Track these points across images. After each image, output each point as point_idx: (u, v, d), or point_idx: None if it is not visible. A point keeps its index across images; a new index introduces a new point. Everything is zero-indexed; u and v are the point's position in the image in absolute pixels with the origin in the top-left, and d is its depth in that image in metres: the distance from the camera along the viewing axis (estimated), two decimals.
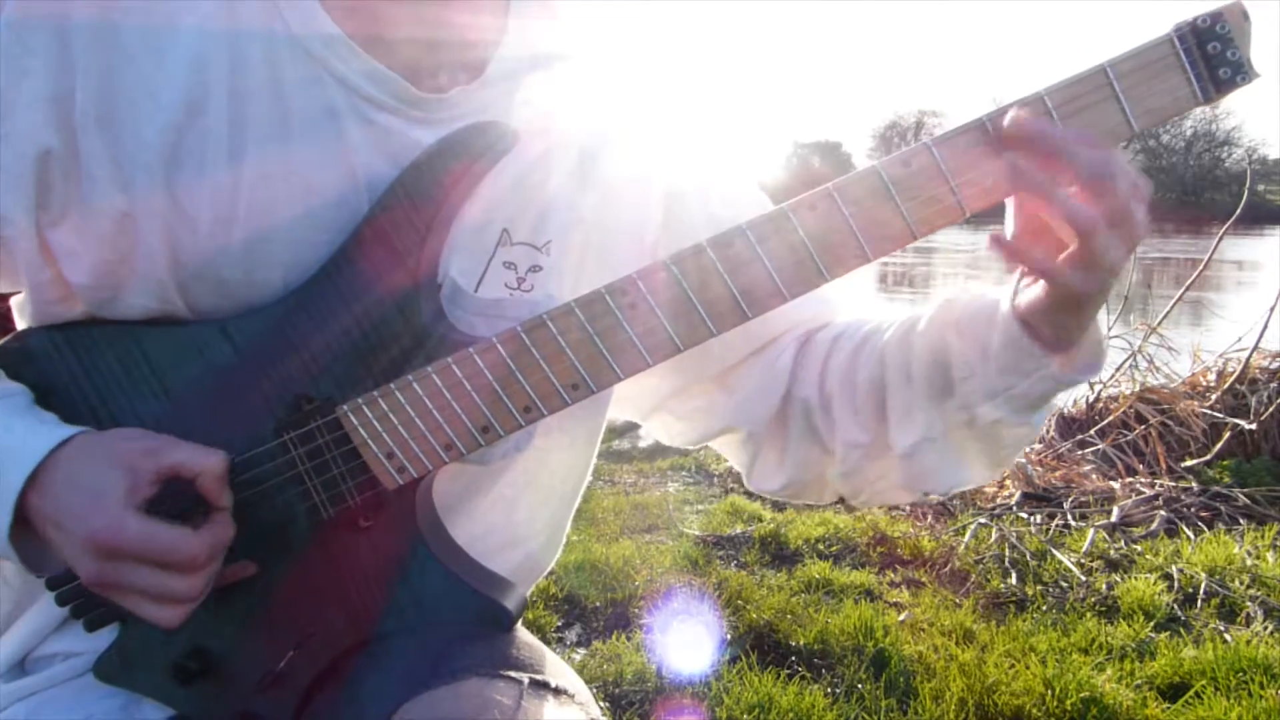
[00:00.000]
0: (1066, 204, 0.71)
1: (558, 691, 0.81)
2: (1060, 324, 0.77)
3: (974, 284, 0.86)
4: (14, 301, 0.87)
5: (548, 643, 2.38)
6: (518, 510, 0.97)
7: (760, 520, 3.49)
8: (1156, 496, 3.63)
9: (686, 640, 2.55)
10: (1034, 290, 0.77)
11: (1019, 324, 0.78)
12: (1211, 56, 0.69)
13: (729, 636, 2.59)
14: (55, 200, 0.77)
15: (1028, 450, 4.02)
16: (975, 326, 0.82)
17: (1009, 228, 0.77)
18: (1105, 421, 4.24)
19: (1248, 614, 2.74)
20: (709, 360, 0.96)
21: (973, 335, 0.82)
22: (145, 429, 0.79)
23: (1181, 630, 2.66)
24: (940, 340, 0.85)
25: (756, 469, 1.02)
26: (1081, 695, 2.21)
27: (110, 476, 0.73)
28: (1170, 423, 4.10)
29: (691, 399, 1.00)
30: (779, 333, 0.97)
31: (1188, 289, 4.78)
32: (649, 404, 1.04)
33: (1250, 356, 4.21)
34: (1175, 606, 2.79)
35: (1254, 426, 3.92)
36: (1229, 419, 3.98)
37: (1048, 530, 3.41)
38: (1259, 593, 2.86)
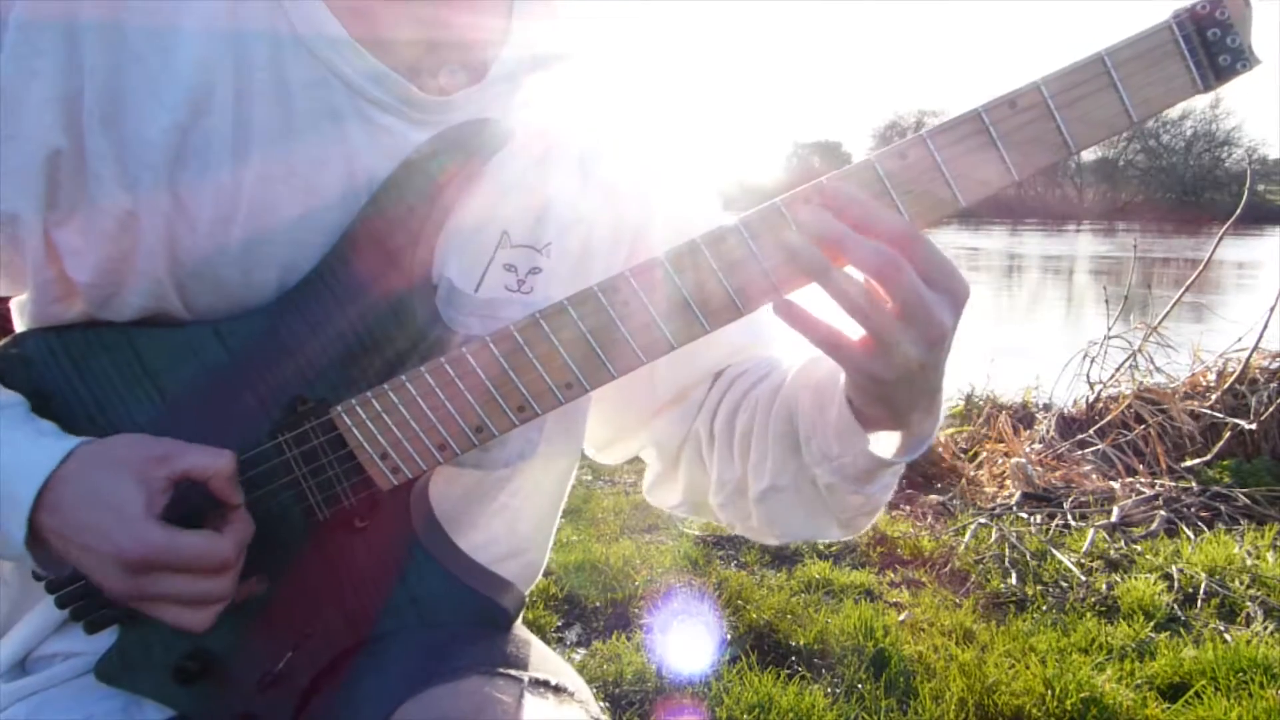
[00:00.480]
0: (841, 294, 0.70)
1: (558, 690, 0.81)
2: (874, 405, 0.77)
3: None
4: (14, 304, 0.87)
5: (548, 643, 2.38)
6: (521, 520, 0.97)
7: None
8: (1156, 496, 3.63)
9: (686, 640, 2.55)
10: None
11: (846, 398, 0.79)
12: (1211, 43, 0.68)
13: (729, 636, 2.59)
14: (63, 200, 0.77)
15: (1028, 450, 4.02)
16: (823, 390, 0.84)
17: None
18: (1105, 421, 4.23)
19: (1248, 614, 2.74)
20: (654, 393, 0.97)
21: (817, 399, 0.84)
22: (143, 433, 0.79)
23: (1181, 630, 2.65)
24: (795, 398, 0.87)
25: (658, 484, 1.05)
26: (1081, 695, 2.21)
27: (125, 489, 0.73)
28: (1170, 423, 4.10)
29: (624, 421, 1.02)
30: (714, 367, 0.98)
31: (1188, 289, 4.78)
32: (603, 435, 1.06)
33: (1250, 356, 4.21)
34: (1175, 606, 2.79)
35: (1254, 426, 3.92)
36: (1229, 419, 3.98)
37: (1048, 530, 3.41)
38: (1259, 593, 2.86)
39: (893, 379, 0.73)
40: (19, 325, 0.87)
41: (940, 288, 0.71)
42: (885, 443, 0.82)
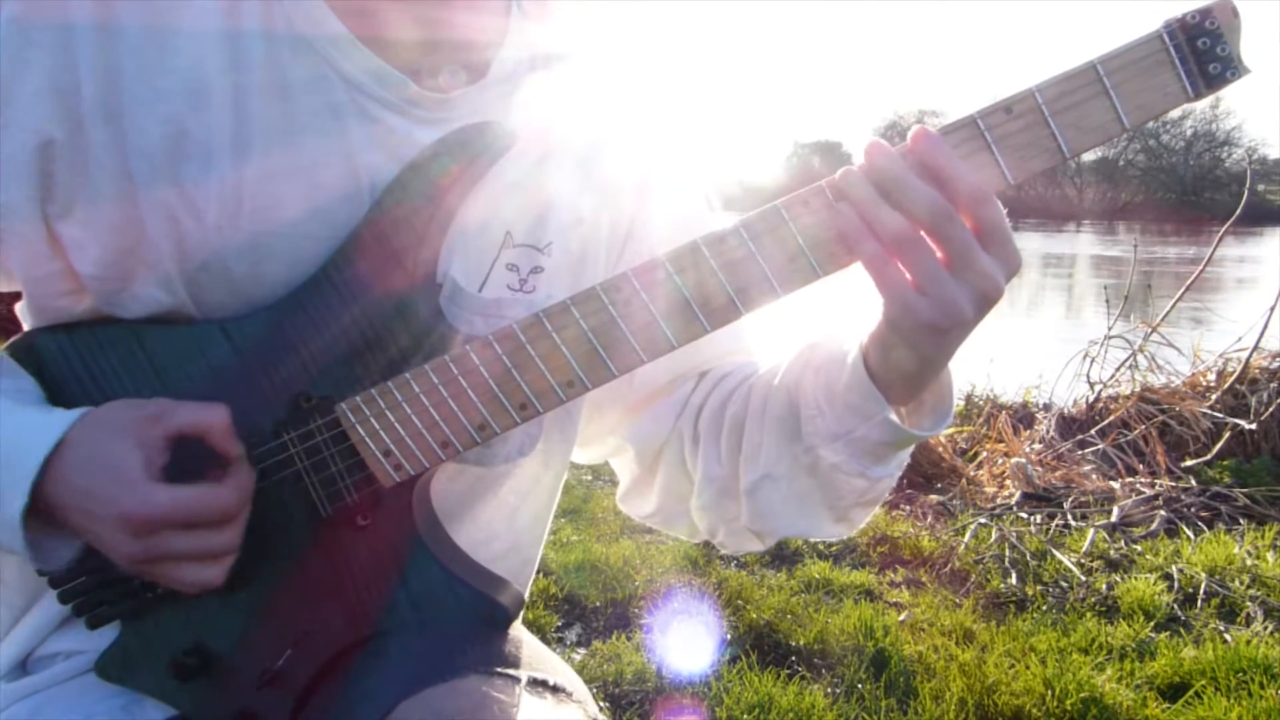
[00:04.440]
0: (884, 228, 0.71)
1: (556, 690, 0.81)
2: (901, 364, 0.77)
3: (840, 328, 0.86)
4: (18, 307, 0.88)
5: (548, 643, 2.38)
6: (520, 516, 0.98)
7: None
8: (1156, 496, 3.63)
9: (686, 640, 2.55)
10: (876, 318, 0.77)
11: (865, 367, 0.79)
12: (1201, 52, 0.69)
13: (729, 636, 2.59)
14: (61, 191, 0.78)
15: (1028, 450, 4.02)
16: (829, 368, 0.83)
17: None
18: (1105, 421, 4.23)
19: (1248, 614, 2.74)
20: (631, 388, 0.97)
21: (825, 376, 0.84)
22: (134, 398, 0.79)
23: (1181, 630, 2.66)
24: (797, 381, 0.87)
25: (633, 491, 1.04)
26: (1081, 695, 2.21)
27: (122, 452, 0.74)
28: (1170, 423, 4.10)
29: (603, 418, 1.01)
30: (697, 367, 0.98)
31: (1188, 289, 4.78)
32: None
33: (1250, 356, 4.21)
34: (1175, 606, 2.79)
35: (1254, 426, 3.92)
36: (1229, 419, 3.98)
37: (1048, 530, 3.41)
38: (1259, 593, 2.86)
39: (934, 322, 0.72)
40: (26, 326, 0.87)
41: (995, 252, 0.72)
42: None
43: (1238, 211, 4.85)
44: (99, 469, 0.73)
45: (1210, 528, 3.43)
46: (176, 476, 0.74)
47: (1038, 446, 4.12)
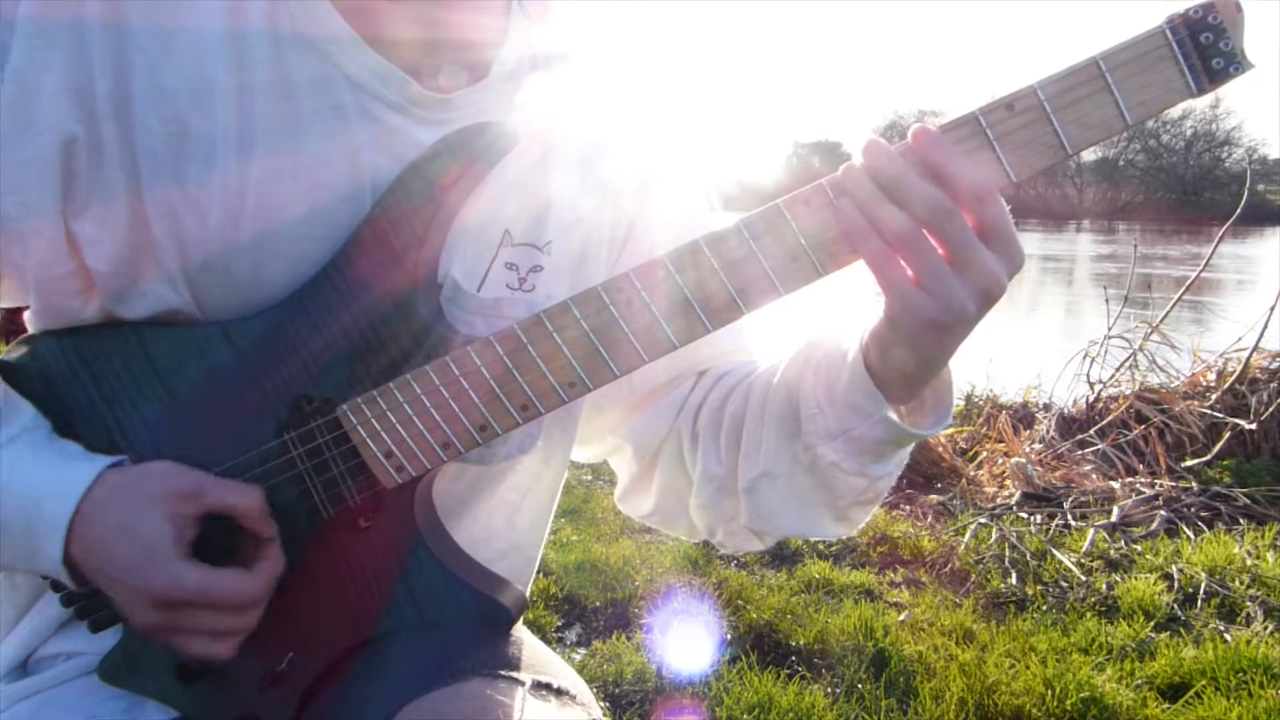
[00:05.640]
0: (886, 225, 0.71)
1: (559, 692, 0.81)
2: (901, 362, 0.77)
3: (840, 327, 0.86)
4: (26, 315, 0.87)
5: (548, 643, 2.38)
6: (520, 514, 0.98)
7: None
8: (1156, 496, 3.63)
9: (686, 640, 2.55)
10: (877, 315, 0.77)
11: (865, 366, 0.79)
12: (1204, 47, 0.69)
13: (729, 636, 2.59)
14: (80, 189, 0.78)
15: (1028, 450, 4.02)
16: (829, 367, 0.83)
17: None
18: (1105, 421, 4.23)
19: (1248, 614, 2.74)
20: (631, 387, 0.97)
21: (825, 375, 0.84)
22: (172, 462, 0.79)
23: (1181, 630, 2.66)
24: (797, 379, 0.87)
25: (631, 490, 1.04)
26: (1081, 695, 2.21)
27: (154, 526, 0.74)
28: (1170, 423, 4.10)
29: (602, 417, 1.01)
30: (697, 367, 0.98)
31: (1188, 289, 4.78)
32: None
33: (1250, 356, 4.21)
34: (1175, 606, 2.79)
35: (1254, 426, 3.92)
36: (1229, 419, 3.98)
37: (1048, 530, 3.41)
38: (1259, 593, 2.86)
39: (936, 319, 0.72)
40: (31, 329, 0.87)
41: (997, 249, 0.72)
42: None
43: (1238, 211, 4.85)
44: (128, 540, 0.74)
45: (1210, 528, 3.43)
46: (205, 551, 0.75)
47: (1038, 446, 4.12)
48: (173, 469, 0.79)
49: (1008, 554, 3.16)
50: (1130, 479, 3.83)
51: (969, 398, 4.75)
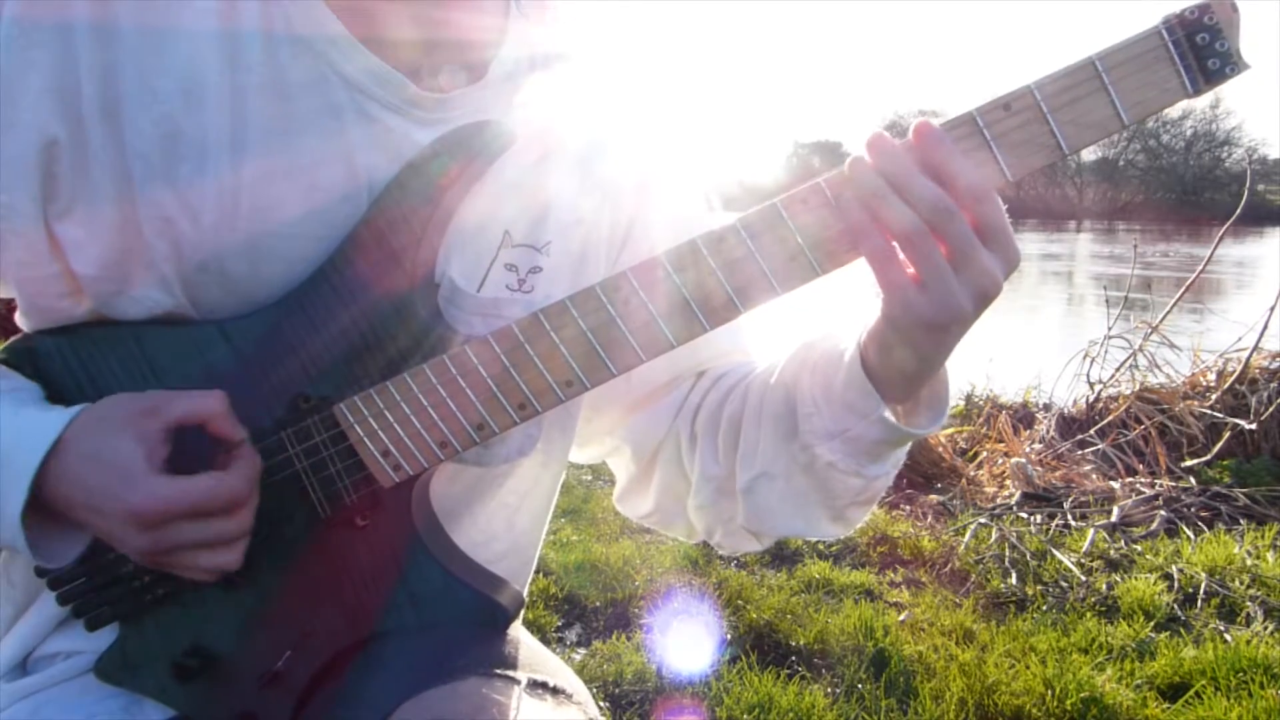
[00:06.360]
0: (892, 220, 0.71)
1: (556, 691, 0.81)
2: (898, 362, 0.77)
3: (837, 327, 0.86)
4: (18, 316, 0.88)
5: (548, 643, 2.38)
6: (519, 517, 0.98)
7: None
8: (1156, 496, 3.63)
9: (686, 640, 2.55)
10: (874, 314, 0.77)
11: (862, 366, 0.79)
12: (1200, 48, 0.69)
13: (729, 636, 2.59)
14: (63, 191, 0.78)
15: (1028, 450, 4.02)
16: (826, 367, 0.84)
17: None
18: (1105, 421, 4.23)
19: (1248, 614, 2.74)
20: (629, 387, 0.97)
21: (822, 375, 0.84)
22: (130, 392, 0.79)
23: (1181, 630, 2.66)
24: (794, 379, 0.87)
25: (629, 491, 1.04)
26: (1081, 695, 2.21)
27: (123, 447, 0.74)
28: (1170, 423, 4.10)
29: (600, 417, 1.01)
30: (695, 367, 0.98)
31: (1188, 289, 4.78)
32: None
33: (1250, 356, 4.21)
34: (1175, 606, 2.79)
35: (1254, 426, 3.92)
36: (1229, 419, 3.98)
37: (1048, 530, 3.41)
38: (1259, 593, 2.86)
39: (935, 319, 0.72)
40: (25, 328, 0.87)
41: (995, 249, 0.72)
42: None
43: (1238, 211, 4.85)
44: (101, 466, 0.73)
45: (1210, 528, 3.43)
46: (180, 467, 0.74)
47: (1038, 446, 4.12)
48: (130, 394, 0.78)
49: (1008, 554, 3.16)
50: (1130, 479, 3.83)
51: (969, 398, 4.75)
